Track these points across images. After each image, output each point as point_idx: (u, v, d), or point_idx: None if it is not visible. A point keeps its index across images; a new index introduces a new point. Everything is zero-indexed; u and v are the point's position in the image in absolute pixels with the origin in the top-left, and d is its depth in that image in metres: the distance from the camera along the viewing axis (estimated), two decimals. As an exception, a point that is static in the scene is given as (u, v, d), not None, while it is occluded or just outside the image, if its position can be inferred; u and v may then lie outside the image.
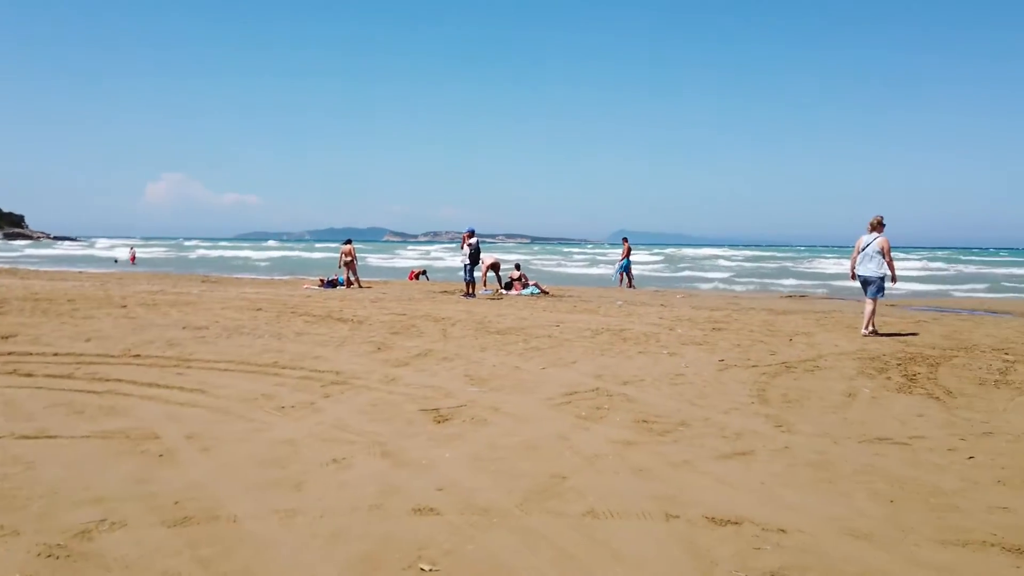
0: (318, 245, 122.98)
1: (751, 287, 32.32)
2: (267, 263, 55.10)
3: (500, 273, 22.71)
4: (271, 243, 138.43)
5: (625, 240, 26.33)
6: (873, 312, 11.83)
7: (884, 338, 11.33)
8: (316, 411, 6.45)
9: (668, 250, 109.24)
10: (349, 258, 23.39)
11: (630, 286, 25.37)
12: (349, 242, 24.10)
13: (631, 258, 25.83)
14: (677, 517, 4.17)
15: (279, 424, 6.01)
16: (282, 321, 12.75)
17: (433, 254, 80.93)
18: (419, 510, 4.20)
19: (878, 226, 11.83)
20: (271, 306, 15.46)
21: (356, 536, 3.84)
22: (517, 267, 22.65)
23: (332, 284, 23.16)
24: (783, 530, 3.98)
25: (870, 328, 11.77)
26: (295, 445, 5.43)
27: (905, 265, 52.43)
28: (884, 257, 11.65)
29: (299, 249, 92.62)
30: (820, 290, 29.34)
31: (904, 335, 11.79)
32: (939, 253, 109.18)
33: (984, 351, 10.14)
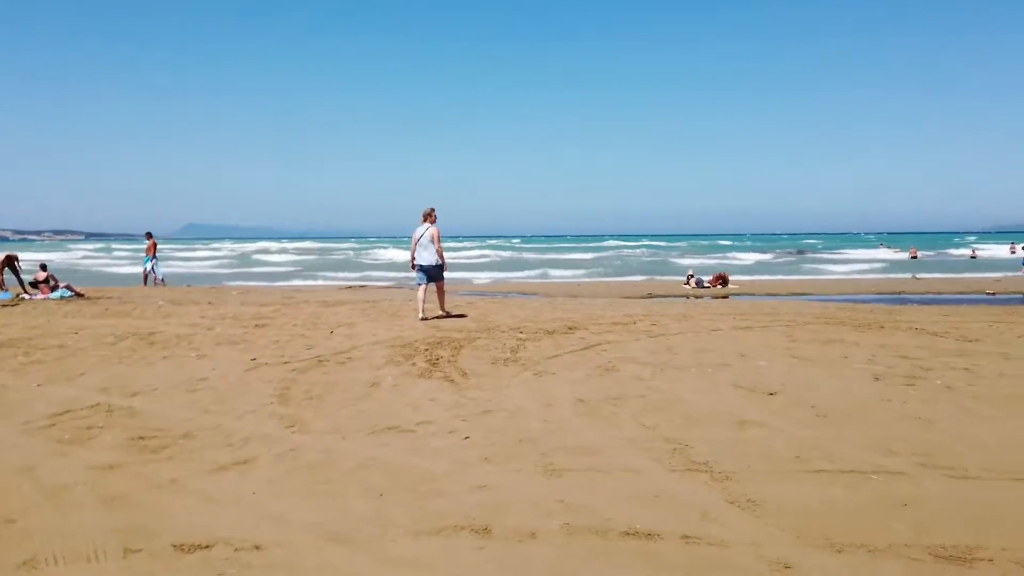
0: None
1: (315, 280, 32.33)
2: None
3: (22, 274, 19.55)
4: None
5: (149, 236, 24.62)
6: (442, 296, 12.87)
7: (419, 324, 11.79)
8: None
9: (245, 245, 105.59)
10: None
11: (158, 282, 23.99)
12: None
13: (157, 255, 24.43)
14: (139, 551, 3.60)
15: None
16: None
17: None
18: None
19: (430, 216, 12.58)
20: None
21: None
22: (43, 267, 19.66)
23: None
24: (259, 547, 3.63)
25: (444, 311, 12.88)
26: None
27: (464, 254, 57.03)
28: (435, 245, 12.41)
29: None
30: (382, 281, 30.33)
31: (439, 319, 12.42)
32: (492, 241, 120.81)
33: (504, 331, 11.03)
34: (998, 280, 27.13)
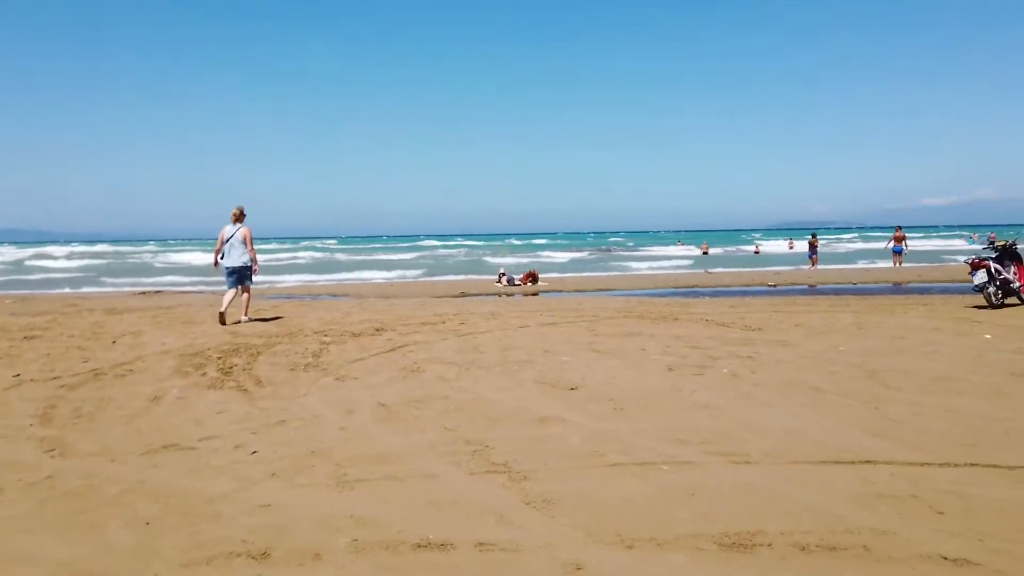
0: None
1: (104, 287, 29.88)
2: None
3: None
4: None
5: None
6: (248, 300, 12.38)
7: (216, 330, 11.07)
8: None
9: (24, 249, 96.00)
10: None
11: None
12: None
13: None
14: None
15: None
16: None
17: None
18: None
19: (240, 216, 12.24)
20: None
21: None
22: None
23: None
24: (-10, 598, 3.14)
25: (247, 316, 12.31)
26: None
27: (275, 256, 54.86)
28: (247, 246, 12.05)
29: None
30: (181, 286, 28.51)
31: (239, 324, 11.74)
32: (305, 243, 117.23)
33: (308, 335, 10.57)
34: (778, 273, 29.46)
